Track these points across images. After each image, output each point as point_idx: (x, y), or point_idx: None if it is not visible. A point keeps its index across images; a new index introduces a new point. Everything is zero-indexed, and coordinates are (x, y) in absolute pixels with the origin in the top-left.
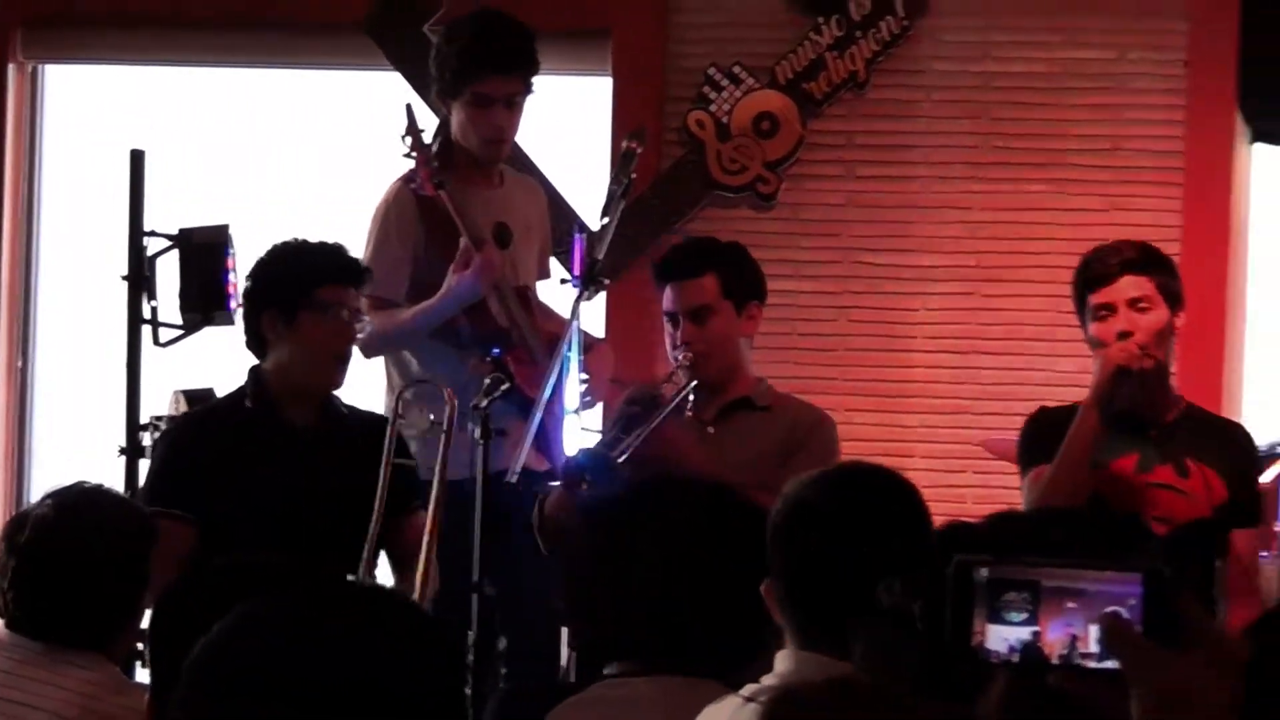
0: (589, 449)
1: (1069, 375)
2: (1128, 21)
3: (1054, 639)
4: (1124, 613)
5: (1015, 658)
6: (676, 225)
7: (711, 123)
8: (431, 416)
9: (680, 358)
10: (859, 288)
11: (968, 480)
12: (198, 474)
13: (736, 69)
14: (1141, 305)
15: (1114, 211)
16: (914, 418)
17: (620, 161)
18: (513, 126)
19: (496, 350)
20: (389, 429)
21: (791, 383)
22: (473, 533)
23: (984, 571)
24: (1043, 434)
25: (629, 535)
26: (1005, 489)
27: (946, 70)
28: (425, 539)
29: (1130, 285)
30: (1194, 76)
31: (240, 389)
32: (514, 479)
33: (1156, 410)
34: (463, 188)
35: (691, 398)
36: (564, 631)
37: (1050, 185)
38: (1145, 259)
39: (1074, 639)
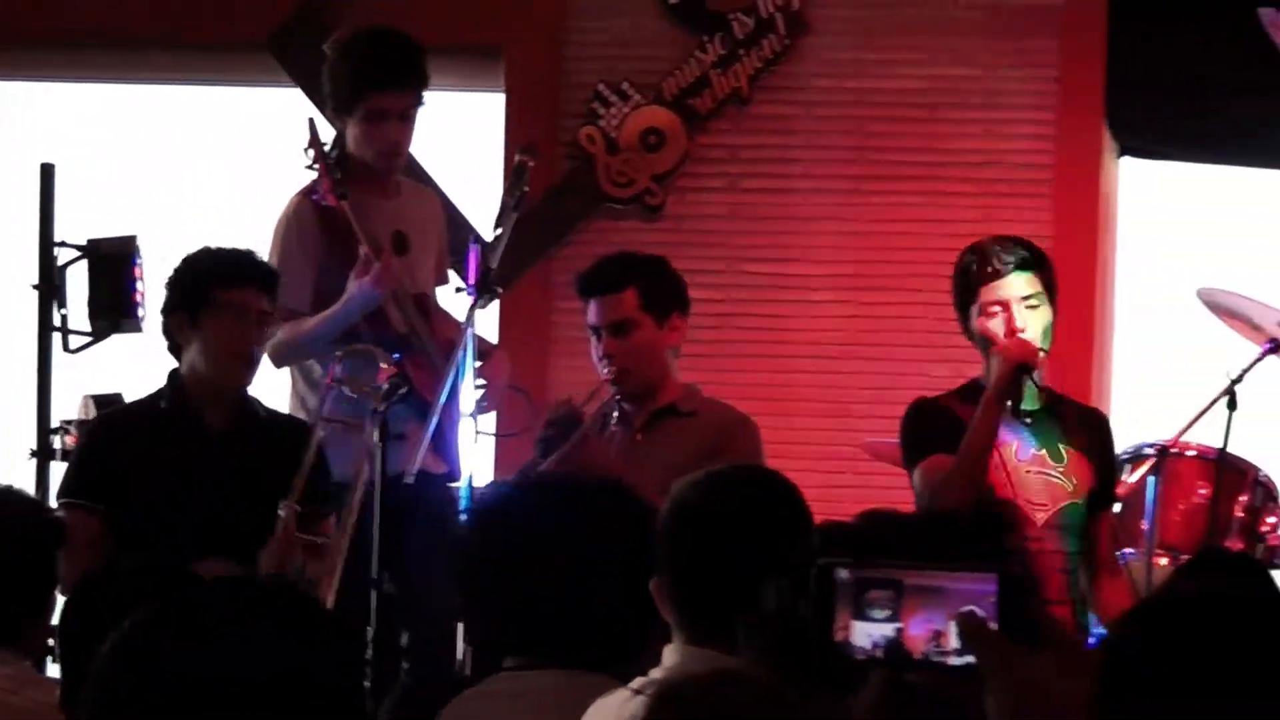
0: (501, 481)
1: (944, 380)
2: (999, 40)
3: (917, 635)
4: (980, 611)
5: (879, 653)
6: (567, 236)
7: (601, 137)
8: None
9: (605, 371)
10: (742, 296)
11: (848, 481)
12: (112, 472)
13: (625, 86)
14: (1031, 303)
15: (987, 222)
16: (796, 421)
17: (513, 175)
18: (406, 139)
19: (396, 355)
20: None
21: None
22: (371, 532)
23: (845, 572)
24: (926, 424)
25: (519, 532)
26: (885, 489)
27: (826, 87)
28: (345, 531)
29: (1022, 283)
30: (1063, 92)
31: (158, 391)
32: (411, 479)
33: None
34: (361, 198)
35: (616, 412)
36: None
37: (925, 197)
38: (1034, 257)
39: (937, 634)
